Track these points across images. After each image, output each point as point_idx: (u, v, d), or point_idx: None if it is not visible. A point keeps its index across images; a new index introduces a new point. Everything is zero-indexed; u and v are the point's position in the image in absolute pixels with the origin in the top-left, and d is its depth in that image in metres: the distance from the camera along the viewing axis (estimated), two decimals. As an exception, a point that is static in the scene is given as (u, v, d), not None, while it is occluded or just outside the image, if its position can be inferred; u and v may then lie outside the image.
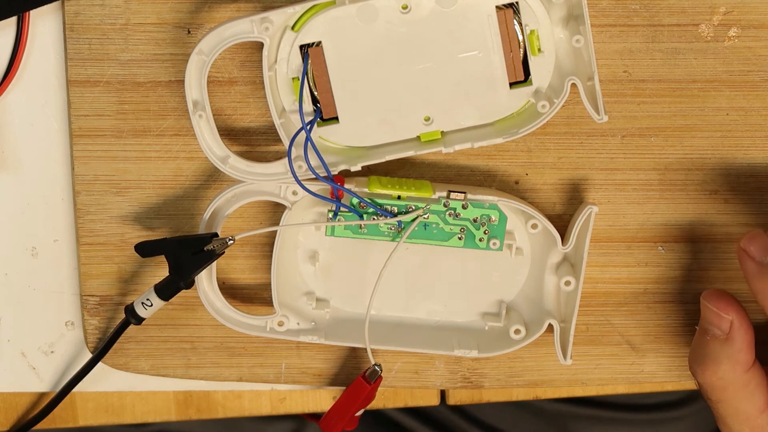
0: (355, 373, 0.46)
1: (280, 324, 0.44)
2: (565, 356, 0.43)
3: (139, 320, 0.43)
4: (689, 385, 0.47)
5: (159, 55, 0.43)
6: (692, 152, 0.43)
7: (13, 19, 0.43)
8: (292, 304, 0.45)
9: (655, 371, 0.46)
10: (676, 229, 0.44)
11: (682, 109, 0.43)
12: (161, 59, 0.43)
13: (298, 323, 0.45)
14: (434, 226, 0.43)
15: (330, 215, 0.43)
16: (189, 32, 0.43)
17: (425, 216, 0.43)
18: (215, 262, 0.42)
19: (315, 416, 0.49)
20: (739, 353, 0.39)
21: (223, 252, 0.42)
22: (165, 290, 0.42)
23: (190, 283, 0.42)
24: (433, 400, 0.50)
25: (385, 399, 0.49)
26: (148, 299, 0.42)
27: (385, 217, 0.42)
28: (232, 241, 0.42)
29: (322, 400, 0.49)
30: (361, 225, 0.43)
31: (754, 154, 0.43)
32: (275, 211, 0.44)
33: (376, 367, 0.44)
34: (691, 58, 0.43)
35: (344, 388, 0.47)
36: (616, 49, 0.42)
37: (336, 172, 0.42)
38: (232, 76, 0.43)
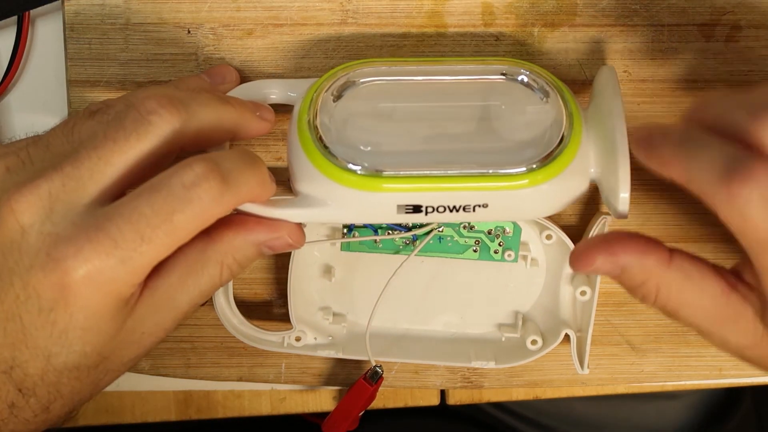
0: (355, 373, 0.46)
1: (298, 339, 0.44)
2: (582, 366, 0.43)
3: None
4: (689, 385, 0.47)
5: (159, 55, 0.43)
6: (692, 152, 0.43)
7: (13, 19, 0.43)
8: (309, 319, 0.45)
9: (655, 371, 0.46)
10: (677, 229, 0.44)
11: (682, 109, 0.43)
12: (161, 59, 0.43)
13: (315, 338, 0.45)
14: (449, 239, 0.43)
15: (345, 231, 0.43)
16: (189, 32, 0.43)
17: (440, 229, 0.43)
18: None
19: (315, 416, 0.49)
20: None
21: None
22: None
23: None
24: (433, 400, 0.50)
25: (385, 399, 0.49)
26: None
27: (400, 231, 0.43)
28: None
29: (322, 400, 0.49)
30: (375, 240, 0.43)
31: (754, 154, 0.43)
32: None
33: (378, 369, 0.44)
34: (691, 58, 0.43)
35: (344, 387, 0.47)
36: (616, 49, 0.42)
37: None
38: (232, 76, 0.43)
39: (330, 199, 0.36)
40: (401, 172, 0.35)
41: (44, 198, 0.31)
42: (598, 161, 0.36)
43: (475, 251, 0.44)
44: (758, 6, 0.42)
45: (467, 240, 0.43)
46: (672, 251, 0.37)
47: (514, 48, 0.42)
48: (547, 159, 0.35)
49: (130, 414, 0.49)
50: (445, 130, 0.37)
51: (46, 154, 0.33)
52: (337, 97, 0.38)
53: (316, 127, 0.36)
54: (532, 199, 0.35)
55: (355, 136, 0.37)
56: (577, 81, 0.43)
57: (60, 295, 0.31)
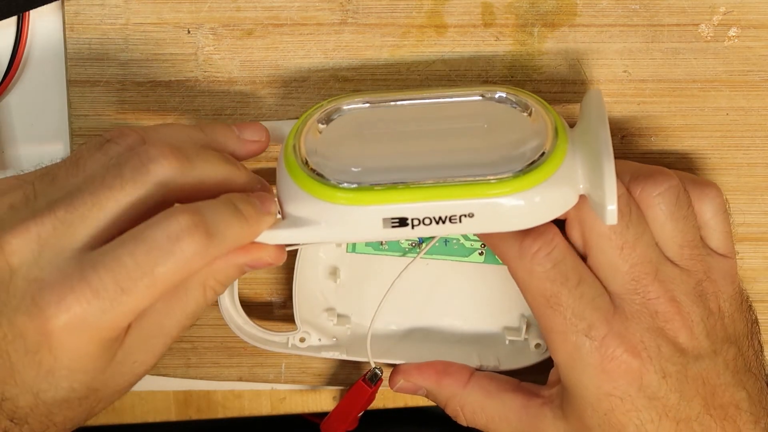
0: (355, 373, 0.46)
1: (302, 340, 0.44)
2: None
3: None
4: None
5: (159, 55, 0.43)
6: (692, 152, 0.43)
7: (13, 19, 0.43)
8: (313, 320, 0.45)
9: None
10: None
11: (682, 109, 0.43)
12: (161, 59, 0.43)
13: (319, 339, 0.45)
14: (455, 242, 0.43)
15: None
16: (189, 32, 0.43)
17: None
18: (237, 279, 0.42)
19: (315, 416, 0.49)
20: None
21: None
22: None
23: None
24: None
25: (385, 399, 0.49)
26: None
27: None
28: None
29: (322, 400, 0.49)
30: (381, 241, 0.43)
31: (754, 154, 0.43)
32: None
33: (377, 370, 0.44)
34: (691, 58, 0.43)
35: (345, 387, 0.47)
36: (616, 49, 0.42)
37: None
38: (232, 76, 0.43)
39: (315, 218, 0.35)
40: (383, 184, 0.35)
41: (33, 241, 0.31)
42: (585, 175, 0.36)
43: (480, 254, 0.44)
44: (758, 6, 0.42)
45: (473, 243, 0.43)
46: (473, 373, 0.42)
47: (514, 48, 0.42)
48: (532, 166, 0.35)
49: (130, 414, 0.49)
50: (428, 146, 0.37)
51: (49, 189, 0.33)
52: (322, 122, 0.38)
53: (300, 149, 0.36)
54: (518, 207, 0.35)
55: (339, 156, 0.37)
56: (577, 81, 0.43)
57: (43, 339, 0.31)
